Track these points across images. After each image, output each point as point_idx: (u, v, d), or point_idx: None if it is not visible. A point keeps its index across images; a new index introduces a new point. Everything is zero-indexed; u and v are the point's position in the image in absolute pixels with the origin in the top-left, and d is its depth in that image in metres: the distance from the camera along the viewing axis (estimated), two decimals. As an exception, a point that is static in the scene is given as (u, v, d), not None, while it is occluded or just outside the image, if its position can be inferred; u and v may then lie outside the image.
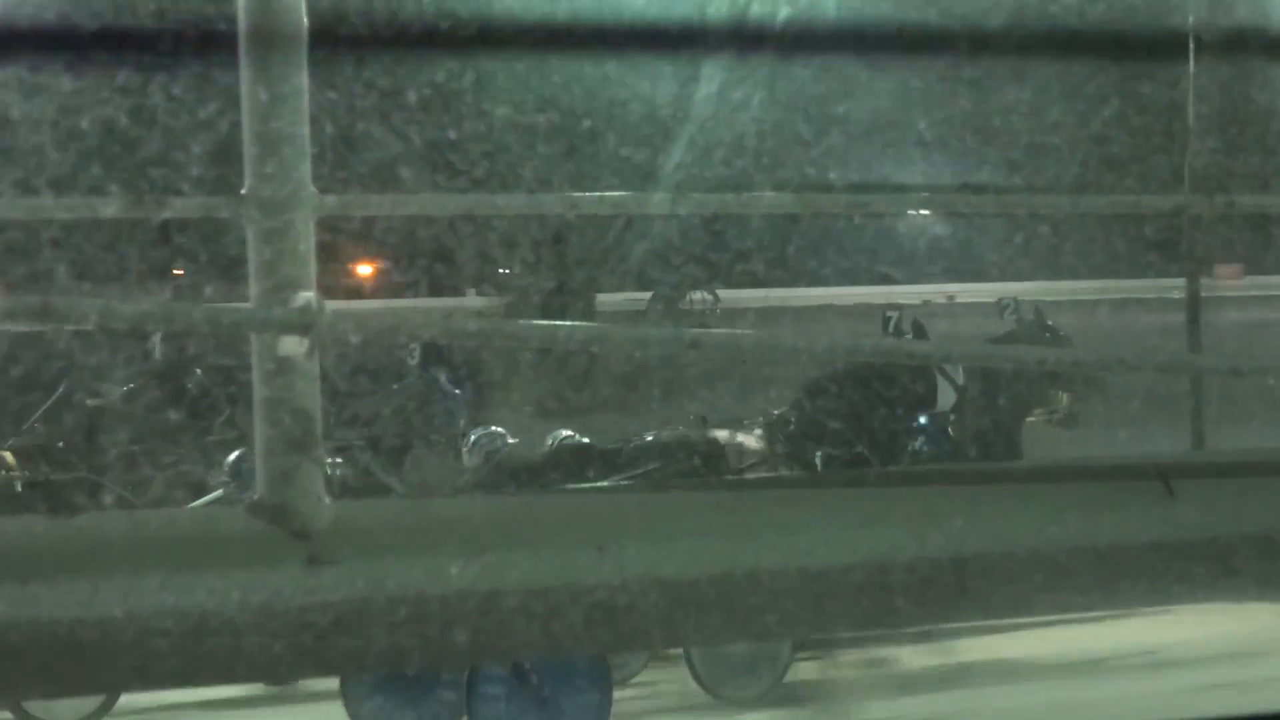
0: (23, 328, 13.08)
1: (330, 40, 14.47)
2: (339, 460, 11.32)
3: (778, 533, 4.03)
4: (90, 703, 9.89)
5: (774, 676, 10.52)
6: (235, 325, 4.45)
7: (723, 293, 23.23)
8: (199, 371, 13.45)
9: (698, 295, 23.08)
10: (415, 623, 3.71)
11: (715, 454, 11.65)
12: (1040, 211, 16.72)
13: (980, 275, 23.10)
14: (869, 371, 11.88)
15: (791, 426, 12.02)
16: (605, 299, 20.42)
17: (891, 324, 12.72)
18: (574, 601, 3.81)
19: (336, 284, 22.10)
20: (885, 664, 10.83)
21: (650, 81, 19.60)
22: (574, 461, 11.40)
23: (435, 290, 21.78)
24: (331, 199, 4.18)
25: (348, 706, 9.86)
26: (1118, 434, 12.76)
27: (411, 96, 18.87)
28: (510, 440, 11.56)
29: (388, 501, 9.78)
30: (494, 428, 11.84)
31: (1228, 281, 25.38)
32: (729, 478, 11.00)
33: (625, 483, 10.57)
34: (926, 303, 21.35)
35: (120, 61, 16.97)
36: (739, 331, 5.10)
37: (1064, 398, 12.69)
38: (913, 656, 10.92)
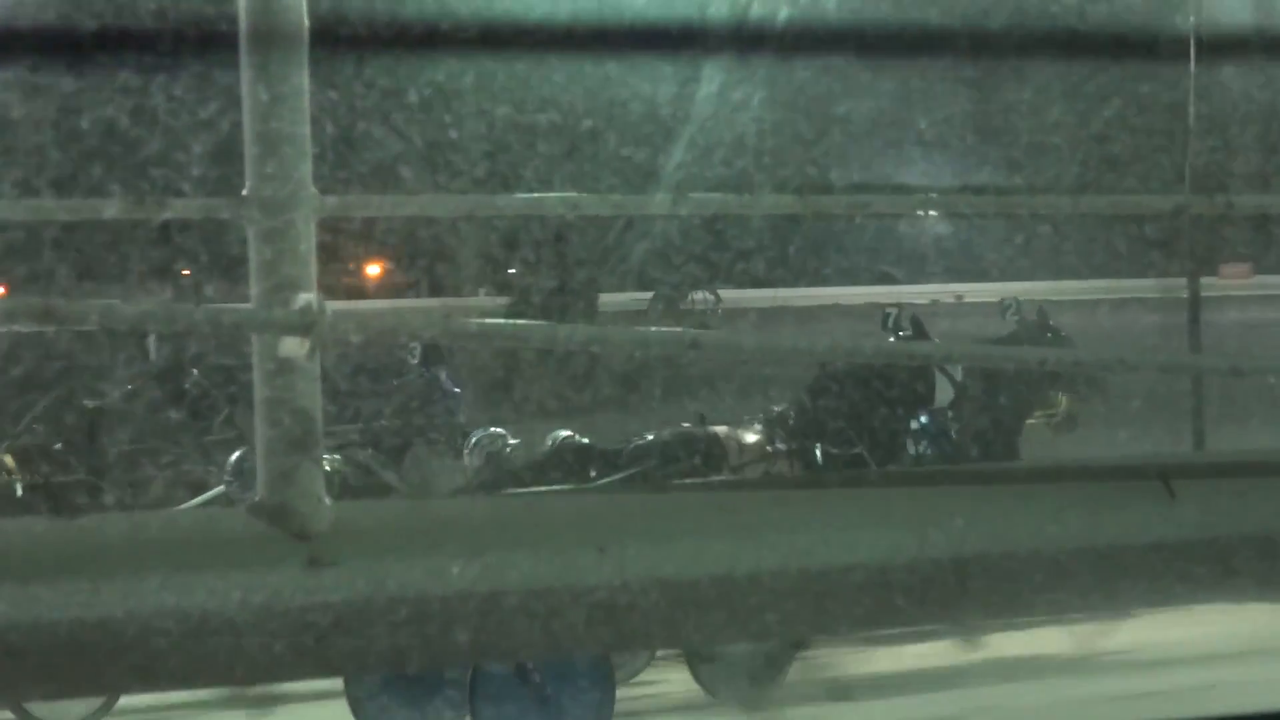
0: (22, 328, 13.08)
1: (331, 40, 14.46)
2: (339, 458, 11.31)
3: (778, 533, 4.02)
4: (91, 703, 9.89)
5: (774, 676, 10.52)
6: (236, 326, 4.45)
7: (728, 293, 23.25)
8: (195, 372, 13.44)
9: (699, 295, 23.11)
10: (416, 623, 3.70)
11: (715, 450, 11.67)
12: (1041, 212, 16.72)
13: (987, 275, 23.11)
14: (867, 368, 11.94)
15: (791, 422, 12.06)
16: (607, 299, 20.44)
17: (890, 320, 12.82)
18: (575, 602, 3.80)
19: (337, 284, 22.10)
20: (885, 664, 10.82)
21: (651, 81, 19.59)
22: (574, 461, 11.41)
23: (436, 290, 21.79)
24: (332, 199, 4.18)
25: (352, 706, 9.87)
26: (1118, 434, 12.77)
27: (412, 96, 18.88)
28: (511, 441, 11.56)
29: (388, 502, 9.77)
30: (494, 428, 11.85)
31: (1236, 281, 25.39)
32: (729, 478, 11.02)
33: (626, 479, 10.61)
34: (934, 302, 21.39)
35: (120, 61, 16.97)
36: (739, 332, 5.11)
37: (1064, 400, 12.74)
38: (913, 656, 10.91)
